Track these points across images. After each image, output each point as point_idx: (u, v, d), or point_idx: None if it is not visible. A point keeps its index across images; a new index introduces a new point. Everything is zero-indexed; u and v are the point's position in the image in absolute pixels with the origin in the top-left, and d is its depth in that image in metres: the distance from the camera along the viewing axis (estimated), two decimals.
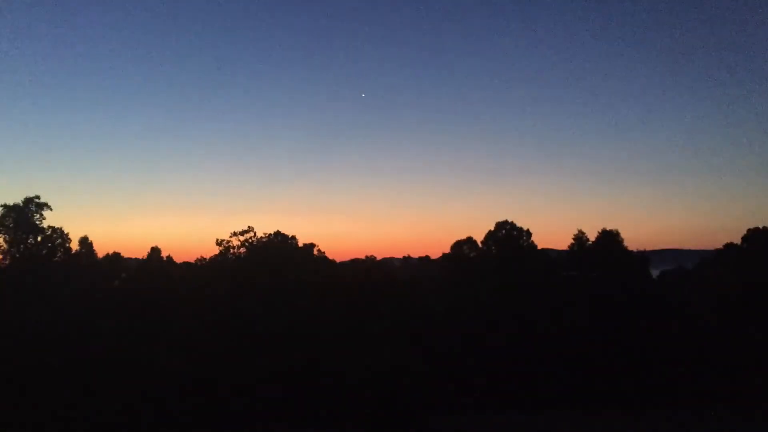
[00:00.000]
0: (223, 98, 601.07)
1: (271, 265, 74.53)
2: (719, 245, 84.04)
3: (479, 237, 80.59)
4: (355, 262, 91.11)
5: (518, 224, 79.25)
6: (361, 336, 66.63)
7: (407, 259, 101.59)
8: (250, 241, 78.04)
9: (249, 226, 78.47)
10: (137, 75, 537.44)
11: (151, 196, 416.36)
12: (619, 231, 77.25)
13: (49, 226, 70.42)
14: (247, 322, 66.94)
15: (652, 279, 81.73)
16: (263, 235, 78.73)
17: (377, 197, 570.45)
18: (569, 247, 79.52)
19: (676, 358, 66.63)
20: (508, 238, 78.73)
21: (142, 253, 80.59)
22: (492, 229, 79.59)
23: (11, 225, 68.62)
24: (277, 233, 79.35)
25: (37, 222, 69.81)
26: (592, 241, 77.81)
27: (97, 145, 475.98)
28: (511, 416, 59.24)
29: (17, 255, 68.91)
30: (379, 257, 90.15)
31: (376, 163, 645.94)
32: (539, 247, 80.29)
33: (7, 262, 69.13)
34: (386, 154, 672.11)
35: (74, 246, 72.94)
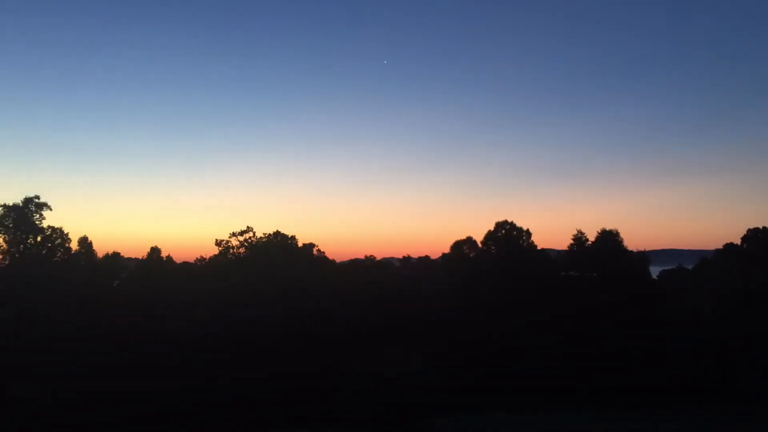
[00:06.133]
0: (222, 97, 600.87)
1: (271, 265, 74.47)
2: (719, 245, 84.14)
3: (479, 237, 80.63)
4: (355, 262, 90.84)
5: (518, 224, 79.41)
6: (361, 336, 66.64)
7: (407, 259, 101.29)
8: (249, 241, 78.00)
9: (248, 226, 78.51)
10: (137, 75, 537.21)
11: (151, 196, 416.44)
12: (619, 231, 77.36)
13: (49, 226, 70.36)
14: (246, 322, 66.92)
15: (651, 279, 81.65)
16: (263, 236, 78.70)
17: (377, 197, 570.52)
18: (569, 247, 79.45)
19: (675, 357, 66.64)
20: (507, 238, 78.67)
21: (141, 253, 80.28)
22: (492, 229, 79.58)
23: (11, 225, 68.57)
24: (277, 233, 79.24)
25: (37, 222, 69.72)
26: (592, 241, 77.76)
27: (97, 145, 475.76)
28: (512, 416, 59.24)
29: (17, 255, 68.84)
30: (379, 257, 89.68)
31: (377, 164, 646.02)
32: (539, 247, 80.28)
33: (7, 262, 69.07)
34: (386, 154, 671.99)
35: (74, 246, 72.80)
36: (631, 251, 77.71)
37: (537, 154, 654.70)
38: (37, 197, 70.16)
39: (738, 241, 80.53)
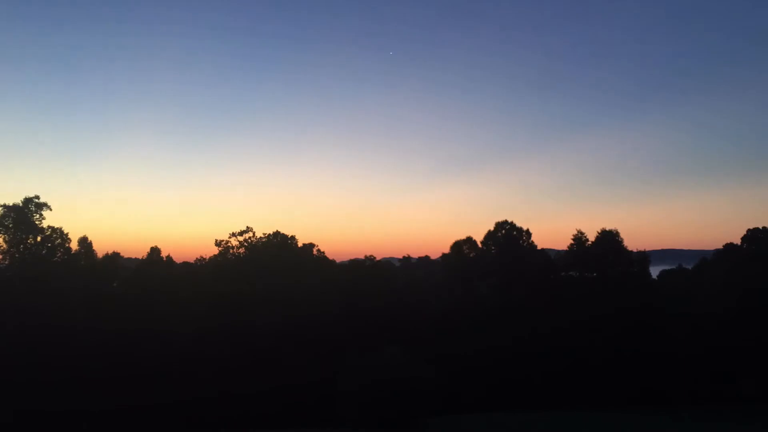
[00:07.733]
0: (222, 98, 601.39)
1: (271, 265, 74.46)
2: (719, 245, 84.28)
3: (479, 237, 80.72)
4: (355, 262, 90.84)
5: (518, 224, 79.41)
6: (361, 336, 66.60)
7: (407, 259, 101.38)
8: (249, 241, 78.00)
9: (248, 227, 78.58)
10: (138, 74, 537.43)
11: (151, 196, 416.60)
12: (619, 231, 77.37)
13: (49, 226, 70.31)
14: (246, 321, 66.89)
15: (651, 279, 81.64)
16: (263, 236, 78.71)
17: (377, 197, 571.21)
18: (569, 247, 79.45)
19: (675, 357, 66.64)
20: (507, 238, 78.65)
21: (141, 253, 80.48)
22: (492, 229, 79.62)
23: (11, 225, 68.54)
24: (277, 233, 79.26)
25: (37, 222, 69.68)
26: (592, 241, 77.75)
27: (97, 145, 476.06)
28: (511, 416, 59.18)
29: (17, 255, 68.80)
30: (379, 257, 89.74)
31: (377, 164, 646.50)
32: (539, 247, 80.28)
33: (7, 262, 69.03)
34: (386, 154, 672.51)
35: (74, 246, 72.77)
36: (631, 251, 77.77)
37: (538, 153, 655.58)
38: (37, 197, 70.19)
39: (738, 241, 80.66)
